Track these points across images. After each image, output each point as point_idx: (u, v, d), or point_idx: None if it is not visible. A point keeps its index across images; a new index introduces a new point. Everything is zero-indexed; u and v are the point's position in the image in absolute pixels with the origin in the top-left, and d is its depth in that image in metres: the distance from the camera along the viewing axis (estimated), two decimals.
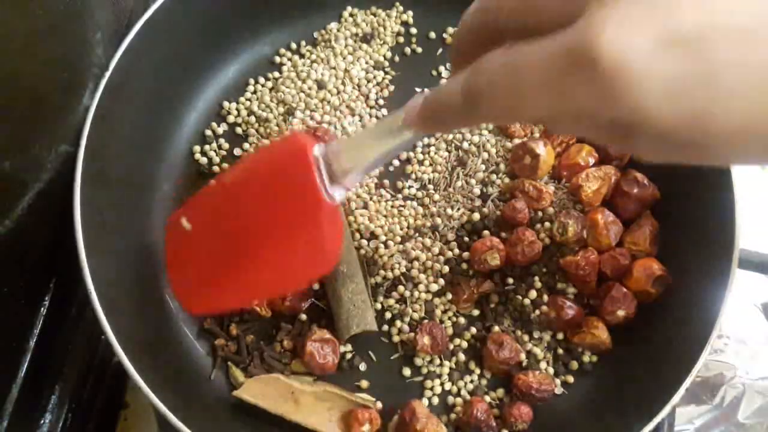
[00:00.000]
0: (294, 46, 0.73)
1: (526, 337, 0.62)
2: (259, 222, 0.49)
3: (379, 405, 0.60)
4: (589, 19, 0.27)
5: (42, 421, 0.58)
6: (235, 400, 0.58)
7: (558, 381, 0.62)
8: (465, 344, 0.62)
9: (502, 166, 0.67)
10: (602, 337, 0.60)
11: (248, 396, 0.58)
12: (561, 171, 0.66)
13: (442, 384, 0.61)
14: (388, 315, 0.63)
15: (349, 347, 0.61)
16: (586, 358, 0.62)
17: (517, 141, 0.68)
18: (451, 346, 0.62)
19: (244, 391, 0.58)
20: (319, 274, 0.54)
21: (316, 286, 0.62)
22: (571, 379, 0.62)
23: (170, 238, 0.56)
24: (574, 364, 0.62)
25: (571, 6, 0.29)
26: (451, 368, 0.62)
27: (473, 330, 0.62)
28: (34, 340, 0.56)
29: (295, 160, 0.46)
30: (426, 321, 0.61)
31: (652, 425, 0.54)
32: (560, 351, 0.62)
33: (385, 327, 0.62)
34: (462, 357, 0.62)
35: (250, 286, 0.51)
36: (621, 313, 0.60)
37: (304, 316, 0.62)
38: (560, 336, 0.63)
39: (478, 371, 0.62)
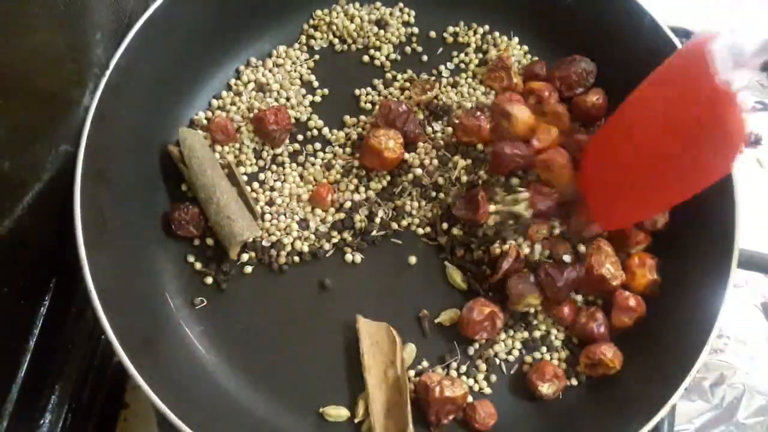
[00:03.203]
0: (295, 44, 0.73)
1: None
2: (663, 135, 0.53)
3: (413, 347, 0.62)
4: None
5: (42, 421, 0.58)
6: (233, 399, 0.58)
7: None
8: None
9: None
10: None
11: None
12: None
13: None
14: None
15: None
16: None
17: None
18: None
19: None
20: (722, 170, 0.55)
21: None
22: (574, 381, 0.62)
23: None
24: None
25: None
26: None
27: None
28: (34, 340, 0.56)
29: (689, 59, 0.50)
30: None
31: (652, 425, 0.54)
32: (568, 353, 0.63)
33: None
34: None
35: (657, 196, 0.57)
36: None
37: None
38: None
39: None
